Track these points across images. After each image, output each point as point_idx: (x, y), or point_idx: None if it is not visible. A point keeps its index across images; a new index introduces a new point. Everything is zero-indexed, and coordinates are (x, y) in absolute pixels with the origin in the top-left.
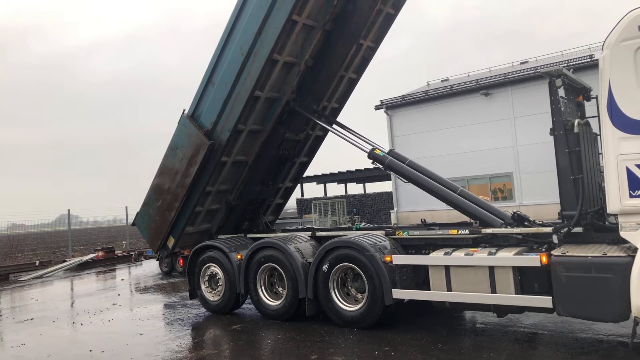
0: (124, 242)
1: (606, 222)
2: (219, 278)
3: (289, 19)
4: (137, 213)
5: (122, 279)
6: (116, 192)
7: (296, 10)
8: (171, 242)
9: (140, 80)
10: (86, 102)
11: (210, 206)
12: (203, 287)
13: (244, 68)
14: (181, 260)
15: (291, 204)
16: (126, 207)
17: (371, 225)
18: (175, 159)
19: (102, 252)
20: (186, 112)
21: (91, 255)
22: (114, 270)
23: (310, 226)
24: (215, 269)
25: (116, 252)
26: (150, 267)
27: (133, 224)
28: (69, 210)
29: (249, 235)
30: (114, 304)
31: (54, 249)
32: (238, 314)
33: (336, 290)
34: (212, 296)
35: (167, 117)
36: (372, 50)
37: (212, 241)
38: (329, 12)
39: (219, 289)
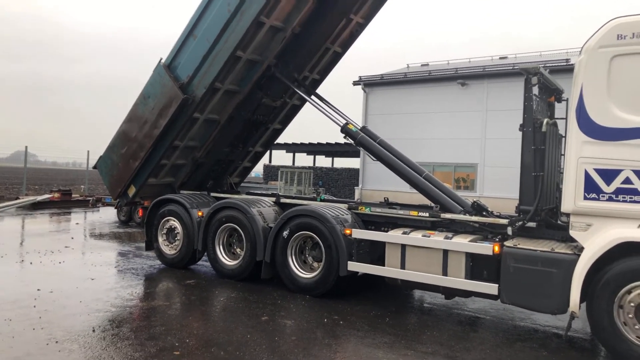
0: (82, 186)
1: (558, 221)
2: (178, 232)
3: None
4: (100, 157)
5: (77, 223)
6: (79, 136)
7: None
8: (132, 191)
9: (127, 34)
10: (68, 45)
11: (176, 161)
12: (160, 239)
13: (228, 25)
14: (140, 211)
15: (258, 169)
16: (88, 152)
17: (335, 198)
18: (146, 107)
19: (58, 193)
20: (163, 61)
21: (46, 196)
22: (69, 213)
23: (275, 192)
24: (174, 223)
25: (73, 195)
26: (107, 215)
27: (94, 167)
28: (26, 147)
29: (212, 194)
30: (66, 247)
31: (7, 185)
32: (193, 270)
33: (293, 257)
34: (168, 249)
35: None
36: (360, 27)
37: (174, 195)
38: None
39: (176, 243)
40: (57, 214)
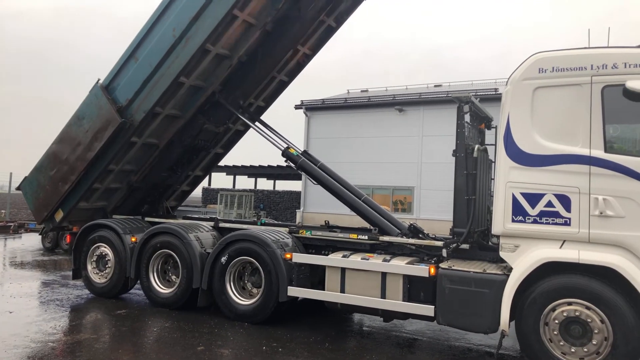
0: (2, 211)
1: (490, 242)
2: (109, 259)
3: (230, 12)
4: (25, 177)
5: None
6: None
7: (239, 5)
8: (59, 215)
9: (60, 54)
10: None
11: (109, 184)
12: (89, 267)
13: (172, 51)
14: (68, 237)
15: (197, 192)
16: (10, 174)
17: (276, 222)
18: (79, 129)
19: None
20: (101, 82)
21: None
22: None
23: (214, 217)
24: (105, 249)
25: None
26: (30, 242)
27: (18, 189)
28: None
29: (147, 219)
30: None
31: None
32: (125, 299)
33: (232, 283)
34: (98, 278)
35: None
36: (307, 57)
37: (106, 220)
38: (272, 14)
39: (107, 271)
40: None
